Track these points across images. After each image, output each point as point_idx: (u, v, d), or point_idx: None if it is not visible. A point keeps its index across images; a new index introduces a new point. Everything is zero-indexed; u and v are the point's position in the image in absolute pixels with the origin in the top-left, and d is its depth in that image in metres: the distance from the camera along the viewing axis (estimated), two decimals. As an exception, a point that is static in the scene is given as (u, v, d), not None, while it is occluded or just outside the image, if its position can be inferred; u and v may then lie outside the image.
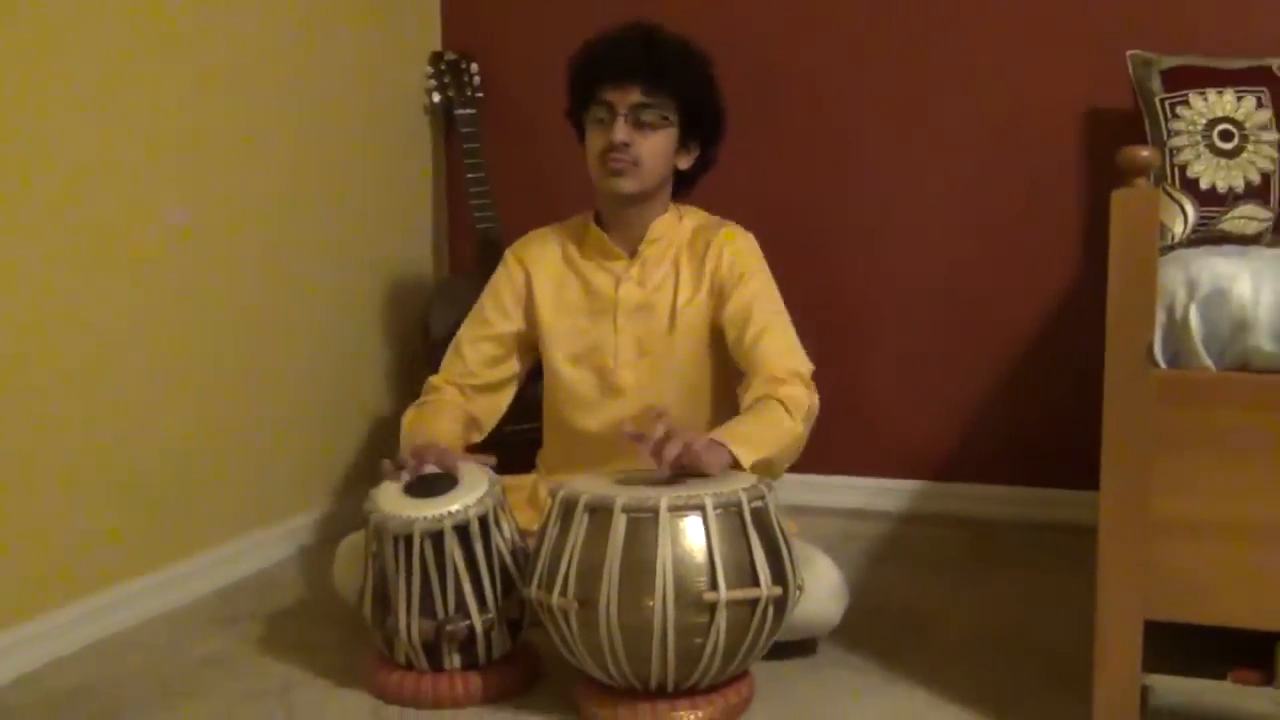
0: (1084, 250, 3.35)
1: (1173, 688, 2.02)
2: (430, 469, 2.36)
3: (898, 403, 3.59)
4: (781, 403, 2.40)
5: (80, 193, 2.61)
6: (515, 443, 2.99)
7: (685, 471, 2.22)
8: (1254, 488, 1.88)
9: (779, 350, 2.53)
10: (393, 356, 3.68)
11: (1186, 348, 1.92)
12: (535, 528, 2.41)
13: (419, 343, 3.62)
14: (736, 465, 2.28)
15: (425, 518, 2.22)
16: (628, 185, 2.56)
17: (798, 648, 2.45)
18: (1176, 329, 1.92)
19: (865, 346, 3.59)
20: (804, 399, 2.44)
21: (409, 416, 2.63)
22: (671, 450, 2.18)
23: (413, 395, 2.73)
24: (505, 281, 2.72)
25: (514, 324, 2.69)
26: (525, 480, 2.77)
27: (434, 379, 2.69)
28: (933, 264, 3.51)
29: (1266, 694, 2.00)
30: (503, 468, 2.48)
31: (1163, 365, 1.93)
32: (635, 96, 2.53)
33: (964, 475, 3.54)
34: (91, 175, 2.64)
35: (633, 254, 2.65)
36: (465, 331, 2.72)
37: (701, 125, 2.62)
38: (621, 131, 2.52)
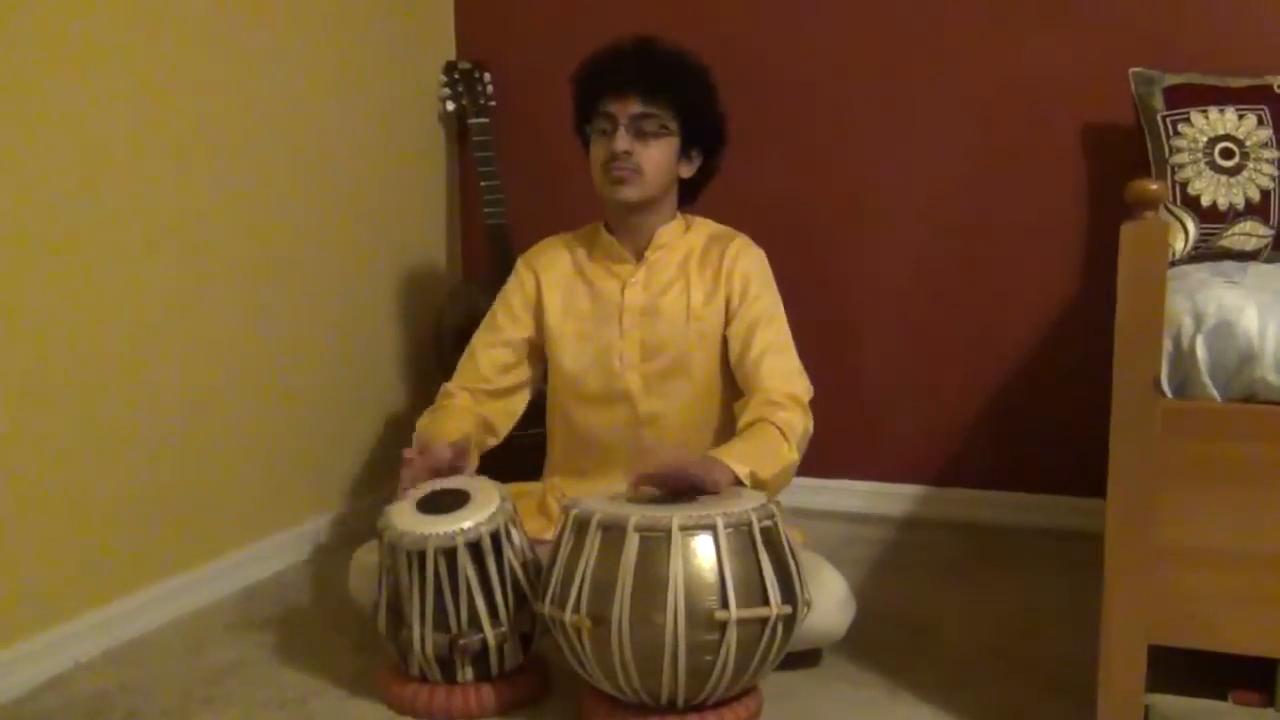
0: (1085, 261, 3.38)
1: (1174, 707, 2.06)
2: (442, 484, 2.39)
3: (899, 407, 3.63)
4: (779, 428, 2.44)
5: (93, 199, 2.62)
6: (524, 447, 3.02)
7: (695, 489, 2.25)
8: (1258, 518, 1.90)
9: (780, 373, 2.56)
10: (406, 358, 3.71)
11: (1193, 378, 1.94)
12: (545, 536, 2.45)
13: (432, 346, 3.65)
14: (737, 481, 2.32)
15: (439, 534, 2.25)
16: (631, 193, 2.59)
17: (802, 658, 2.49)
18: (1183, 360, 1.94)
19: (867, 351, 3.63)
20: (799, 425, 2.48)
21: (423, 422, 2.66)
22: (685, 481, 2.22)
23: (426, 396, 2.77)
24: (516, 288, 2.75)
25: (525, 330, 2.72)
26: (534, 488, 2.80)
27: (448, 385, 2.72)
28: (935, 271, 3.54)
29: (1267, 715, 2.03)
30: (512, 473, 2.50)
31: (1169, 395, 1.95)
32: (635, 106, 2.56)
33: (965, 480, 3.57)
34: (108, 182, 2.66)
35: (639, 259, 2.69)
36: (478, 338, 2.75)
37: (702, 133, 2.65)
38: (623, 141, 2.55)
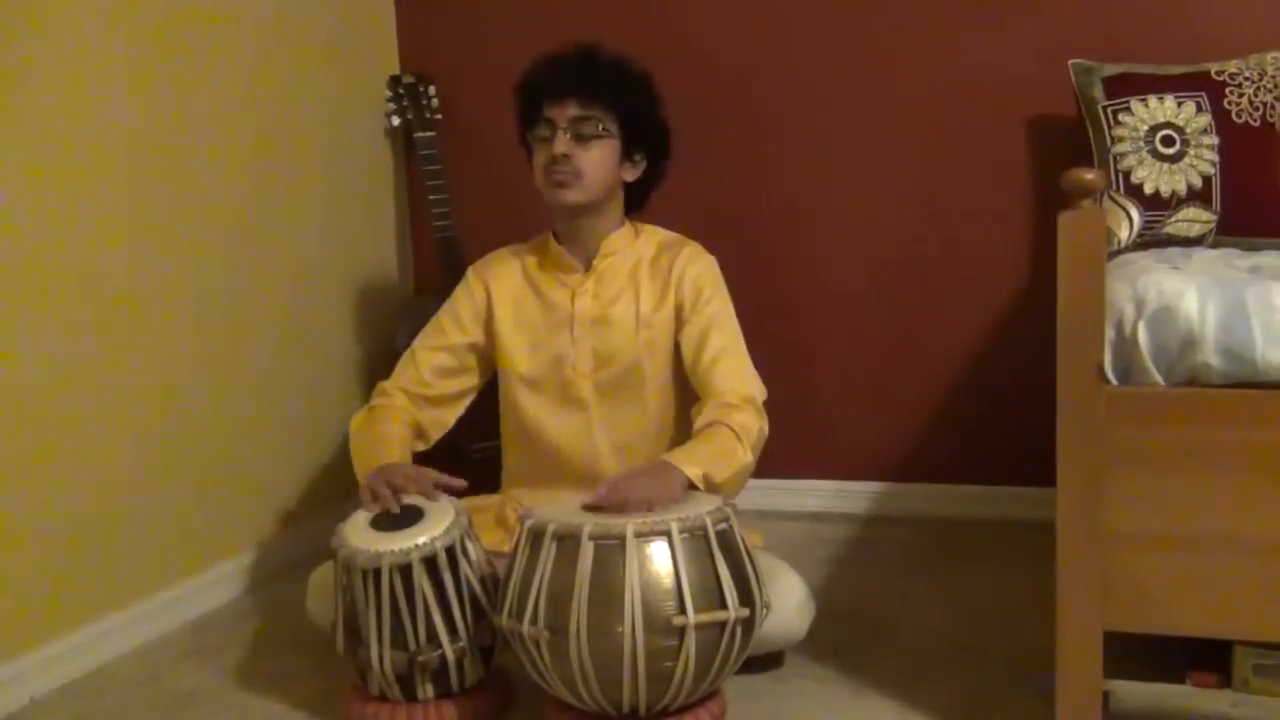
0: (1032, 254, 3.39)
1: (1134, 692, 2.07)
2: (408, 499, 2.38)
3: (856, 405, 3.63)
4: (733, 430, 2.44)
5: (26, 217, 2.59)
6: (482, 461, 3.01)
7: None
8: (1206, 500, 1.91)
9: (734, 375, 2.56)
10: (359, 375, 3.68)
11: (1136, 364, 1.95)
12: (504, 548, 2.44)
13: (385, 362, 3.62)
14: (691, 485, 2.32)
15: (393, 551, 2.23)
16: (572, 196, 2.58)
17: (765, 659, 2.48)
18: (1126, 346, 1.95)
19: (822, 350, 3.63)
20: (754, 426, 2.48)
21: (357, 420, 2.66)
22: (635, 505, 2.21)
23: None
24: (465, 297, 2.74)
25: (470, 337, 2.72)
26: (492, 500, 2.78)
27: (384, 384, 2.72)
28: (885, 266, 3.55)
29: (1225, 696, 2.04)
30: (470, 487, 2.48)
31: (1114, 382, 1.96)
32: (573, 110, 2.56)
33: (924, 475, 3.58)
34: (41, 200, 2.63)
35: (588, 268, 2.68)
36: (420, 341, 2.75)
37: (643, 135, 2.65)
38: (562, 144, 2.55)
